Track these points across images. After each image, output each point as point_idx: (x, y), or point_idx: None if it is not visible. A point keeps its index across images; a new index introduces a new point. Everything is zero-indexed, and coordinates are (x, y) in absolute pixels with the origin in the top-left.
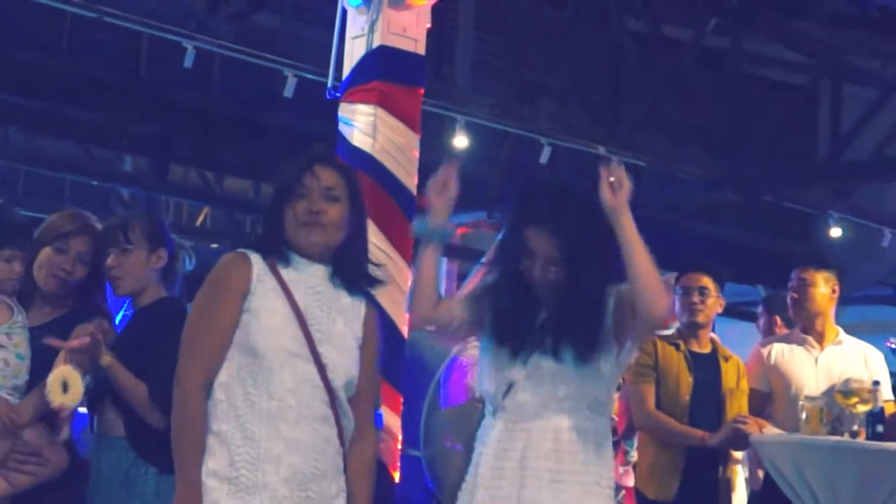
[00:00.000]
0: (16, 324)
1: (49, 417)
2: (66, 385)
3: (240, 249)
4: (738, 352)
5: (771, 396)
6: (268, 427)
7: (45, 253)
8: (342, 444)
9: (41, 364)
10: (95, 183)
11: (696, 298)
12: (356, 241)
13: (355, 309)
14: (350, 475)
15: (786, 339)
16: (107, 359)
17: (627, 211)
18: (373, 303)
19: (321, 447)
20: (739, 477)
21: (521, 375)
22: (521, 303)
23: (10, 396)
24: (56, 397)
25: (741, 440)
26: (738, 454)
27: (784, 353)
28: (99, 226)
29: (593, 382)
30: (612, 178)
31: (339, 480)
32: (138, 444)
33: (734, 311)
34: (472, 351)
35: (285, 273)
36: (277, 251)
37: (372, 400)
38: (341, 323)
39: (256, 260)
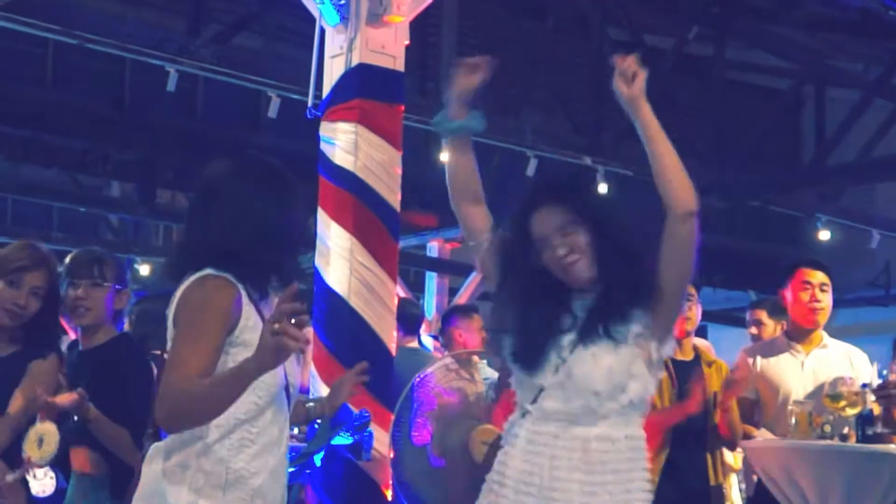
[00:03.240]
0: None
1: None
2: (41, 441)
3: (223, 276)
4: (732, 358)
5: (759, 403)
6: (258, 461)
7: None
8: None
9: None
10: (83, 209)
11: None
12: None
13: None
14: None
15: (770, 345)
16: (93, 412)
17: (645, 100)
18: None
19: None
20: (734, 488)
21: (550, 382)
22: (547, 308)
23: None
24: (32, 452)
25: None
26: (732, 461)
27: (770, 360)
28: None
29: (625, 386)
30: (626, 68)
31: None
32: (122, 488)
33: (727, 317)
34: (455, 383)
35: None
36: (263, 277)
37: None
38: None
39: (241, 289)
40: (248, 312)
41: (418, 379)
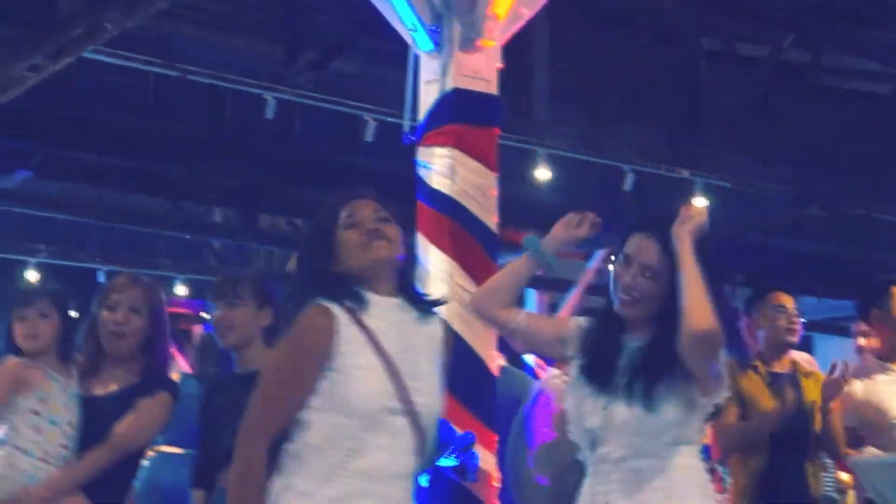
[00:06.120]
0: (51, 389)
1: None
2: None
3: (320, 302)
4: None
5: (857, 431)
6: (363, 484)
7: (102, 316)
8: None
9: (99, 431)
10: (187, 236)
11: (795, 318)
12: (410, 265)
13: (433, 335)
14: None
15: (863, 370)
16: None
17: (689, 239)
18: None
19: (405, 500)
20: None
21: (599, 426)
22: (606, 336)
23: (43, 462)
24: None
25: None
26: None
27: (869, 384)
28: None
29: (673, 424)
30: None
31: None
32: None
33: (833, 327)
34: (556, 381)
35: (369, 321)
36: (350, 293)
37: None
38: (426, 362)
39: (338, 313)
40: (346, 337)
41: (543, 397)
